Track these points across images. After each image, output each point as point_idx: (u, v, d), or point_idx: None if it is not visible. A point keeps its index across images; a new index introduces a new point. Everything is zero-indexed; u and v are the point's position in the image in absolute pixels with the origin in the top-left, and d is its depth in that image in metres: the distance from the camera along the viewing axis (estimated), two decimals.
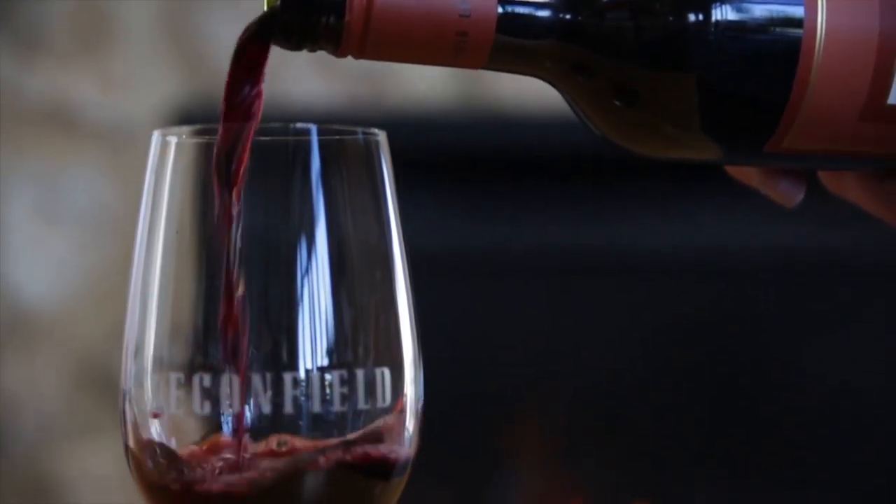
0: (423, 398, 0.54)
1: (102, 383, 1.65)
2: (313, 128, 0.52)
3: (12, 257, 1.67)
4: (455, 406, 1.53)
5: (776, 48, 0.53)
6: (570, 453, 1.63)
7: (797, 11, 0.53)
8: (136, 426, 0.53)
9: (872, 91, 0.54)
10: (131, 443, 0.53)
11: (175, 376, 0.52)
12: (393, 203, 0.54)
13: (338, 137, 0.53)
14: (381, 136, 0.54)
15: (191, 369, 0.52)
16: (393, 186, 0.54)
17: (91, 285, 1.66)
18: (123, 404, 0.53)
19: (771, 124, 0.54)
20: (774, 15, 0.53)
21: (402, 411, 0.53)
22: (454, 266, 1.57)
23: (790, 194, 0.60)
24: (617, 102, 0.54)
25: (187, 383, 0.52)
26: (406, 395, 0.53)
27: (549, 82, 0.55)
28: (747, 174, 0.62)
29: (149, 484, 0.53)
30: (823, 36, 0.53)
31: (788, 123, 0.54)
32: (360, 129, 0.53)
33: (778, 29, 0.54)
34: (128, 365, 0.53)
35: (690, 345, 1.61)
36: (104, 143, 1.66)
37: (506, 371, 1.60)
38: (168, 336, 0.53)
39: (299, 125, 0.53)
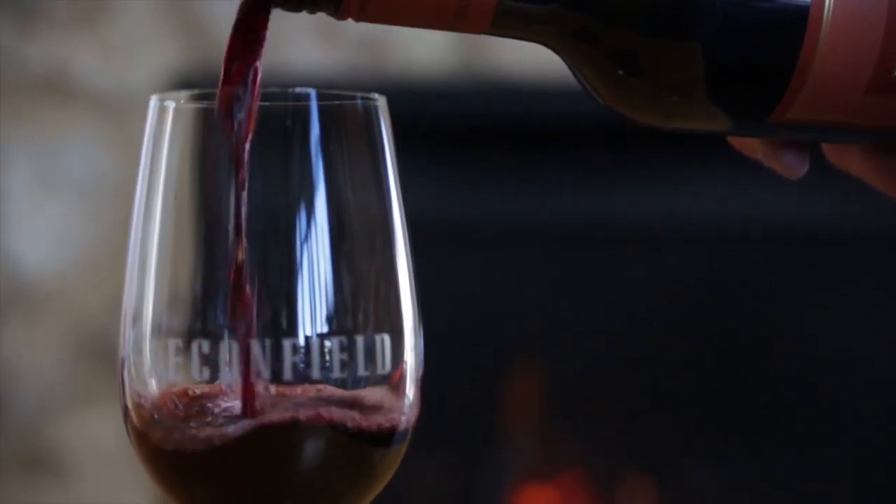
0: (423, 365, 0.53)
1: (102, 352, 1.65)
2: (312, 93, 0.52)
3: (12, 226, 1.66)
4: (454, 374, 1.53)
5: (783, 16, 0.53)
6: (569, 423, 1.63)
7: None
8: (134, 393, 0.52)
9: (880, 62, 0.54)
10: (130, 410, 0.53)
11: (174, 343, 0.52)
12: (393, 168, 0.53)
13: (337, 103, 0.52)
14: (381, 101, 0.53)
15: (189, 336, 0.51)
16: (393, 151, 0.53)
17: (91, 254, 1.66)
18: (122, 371, 0.53)
19: (776, 94, 0.54)
20: None
21: (402, 378, 0.53)
22: (453, 234, 1.56)
23: (794, 166, 0.60)
24: (621, 71, 0.54)
25: (186, 350, 0.51)
26: (406, 363, 0.53)
27: (553, 49, 0.54)
28: (751, 146, 0.61)
29: (147, 450, 0.53)
30: (832, 4, 0.53)
31: (794, 93, 0.54)
32: (359, 95, 0.53)
33: None
34: (126, 332, 0.53)
35: (690, 315, 1.61)
36: (104, 111, 1.65)
37: (505, 340, 1.60)
38: (167, 303, 0.52)
39: (298, 90, 0.52)
